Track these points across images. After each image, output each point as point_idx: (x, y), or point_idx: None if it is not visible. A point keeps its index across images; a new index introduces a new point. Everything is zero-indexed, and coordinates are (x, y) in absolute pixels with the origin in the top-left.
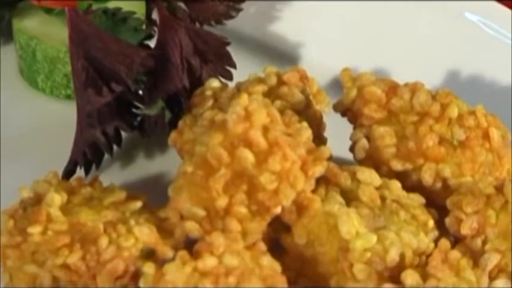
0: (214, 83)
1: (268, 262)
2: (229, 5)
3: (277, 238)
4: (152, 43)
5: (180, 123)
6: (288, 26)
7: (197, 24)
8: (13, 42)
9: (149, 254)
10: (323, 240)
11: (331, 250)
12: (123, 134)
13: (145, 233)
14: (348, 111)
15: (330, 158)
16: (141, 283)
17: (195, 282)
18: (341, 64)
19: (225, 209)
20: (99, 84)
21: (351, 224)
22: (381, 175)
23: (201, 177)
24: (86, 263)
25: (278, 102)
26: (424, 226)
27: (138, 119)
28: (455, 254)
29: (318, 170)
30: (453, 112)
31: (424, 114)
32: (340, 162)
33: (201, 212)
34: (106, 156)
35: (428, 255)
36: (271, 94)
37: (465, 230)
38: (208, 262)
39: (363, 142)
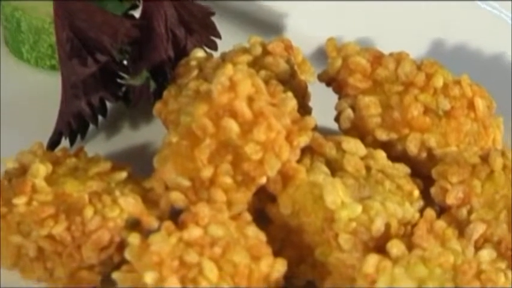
0: (199, 53)
1: (254, 232)
2: None
3: (262, 208)
4: (137, 13)
5: (165, 93)
6: None
7: None
8: None
9: (134, 225)
10: (308, 210)
11: (316, 220)
12: (108, 104)
13: (130, 204)
14: (333, 81)
15: (315, 128)
16: (126, 253)
17: (180, 253)
18: (326, 34)
19: (210, 179)
20: (83, 55)
21: (336, 194)
22: (366, 145)
23: (186, 147)
24: (71, 234)
25: (263, 72)
26: (409, 196)
27: (123, 89)
28: (440, 224)
29: (303, 140)
30: (438, 82)
31: (409, 84)
32: (325, 132)
33: (186, 183)
34: (91, 126)
35: (414, 225)
36: (256, 64)
37: (450, 200)
38: (194, 232)
39: (348, 112)
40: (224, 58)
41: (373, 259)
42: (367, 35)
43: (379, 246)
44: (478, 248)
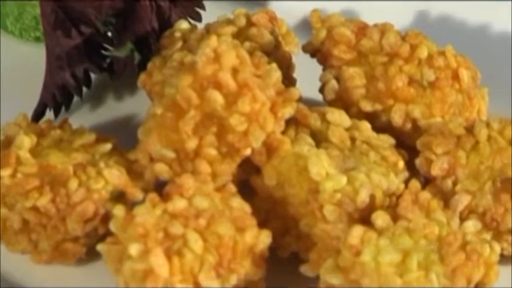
0: (183, 24)
1: (238, 204)
2: None
3: (247, 180)
4: None
5: (150, 65)
6: None
7: None
8: None
9: (119, 197)
10: (293, 181)
11: (301, 191)
12: (93, 76)
13: (115, 175)
14: (318, 52)
15: (300, 99)
16: (111, 225)
17: (165, 224)
18: (310, 5)
19: (195, 151)
20: (68, 27)
21: (321, 165)
22: (351, 116)
23: (170, 119)
24: (56, 206)
25: (247, 44)
26: (394, 167)
27: (108, 61)
28: (425, 195)
29: (288, 111)
30: (423, 53)
31: (394, 55)
32: (310, 104)
33: (171, 154)
34: (75, 98)
35: (399, 197)
36: (240, 35)
37: (435, 171)
38: (178, 204)
39: (333, 83)
40: (208, 29)
41: (357, 230)
42: (351, 6)
43: (364, 218)
44: (463, 219)
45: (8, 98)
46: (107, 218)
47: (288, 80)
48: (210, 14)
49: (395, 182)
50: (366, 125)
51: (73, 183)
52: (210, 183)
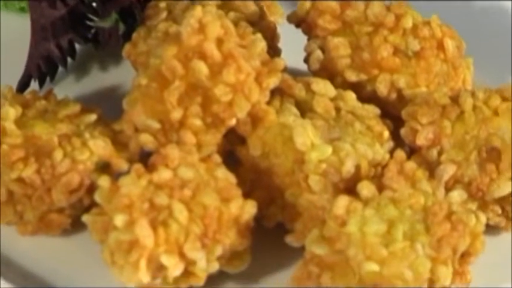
0: None
1: (224, 174)
2: None
3: (232, 150)
4: None
5: (134, 35)
6: None
7: None
8: None
9: (104, 167)
10: (278, 151)
11: (286, 162)
12: (77, 46)
13: (100, 146)
14: (302, 22)
15: (285, 70)
16: (96, 196)
17: (150, 195)
18: None
19: (180, 121)
20: None
21: (306, 135)
22: (336, 86)
23: (155, 89)
24: (41, 177)
25: (232, 14)
26: (379, 137)
27: (92, 31)
28: (411, 165)
29: (273, 81)
30: (407, 23)
31: (379, 25)
32: (295, 74)
33: (156, 125)
34: (60, 69)
35: (384, 167)
36: (225, 6)
37: (421, 140)
38: (163, 175)
39: (318, 53)
40: (193, 0)
41: (343, 200)
42: None
43: (349, 188)
44: (448, 189)
45: None
46: (92, 188)
47: (273, 50)
48: None
49: (381, 152)
50: (350, 95)
51: (58, 154)
52: (195, 153)
